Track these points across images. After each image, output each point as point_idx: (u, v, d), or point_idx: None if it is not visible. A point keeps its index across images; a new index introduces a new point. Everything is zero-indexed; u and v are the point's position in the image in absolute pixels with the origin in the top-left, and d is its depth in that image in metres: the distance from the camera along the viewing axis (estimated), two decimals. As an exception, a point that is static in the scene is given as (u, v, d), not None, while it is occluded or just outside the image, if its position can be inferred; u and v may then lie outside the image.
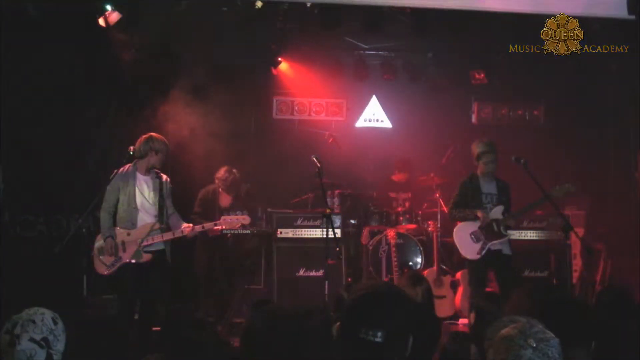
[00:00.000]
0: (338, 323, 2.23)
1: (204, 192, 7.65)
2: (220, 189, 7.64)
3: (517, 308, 3.31)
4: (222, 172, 7.59)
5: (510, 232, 6.67)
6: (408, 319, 2.10)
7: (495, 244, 6.46)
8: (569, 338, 2.46)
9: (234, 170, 7.61)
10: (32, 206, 7.40)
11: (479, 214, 6.46)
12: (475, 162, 6.64)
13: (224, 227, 6.53)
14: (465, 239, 6.57)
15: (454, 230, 6.70)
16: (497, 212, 6.51)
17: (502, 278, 6.50)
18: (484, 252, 6.44)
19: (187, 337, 2.91)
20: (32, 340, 2.52)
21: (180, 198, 6.44)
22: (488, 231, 6.46)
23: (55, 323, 2.62)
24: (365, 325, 2.05)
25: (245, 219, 6.41)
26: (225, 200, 7.65)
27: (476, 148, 6.60)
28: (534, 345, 2.17)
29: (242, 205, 7.41)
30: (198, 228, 6.31)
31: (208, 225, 6.44)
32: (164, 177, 6.18)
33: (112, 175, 6.01)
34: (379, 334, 2.03)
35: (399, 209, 8.29)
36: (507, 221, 6.48)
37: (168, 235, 6.04)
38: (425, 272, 7.90)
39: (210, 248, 7.62)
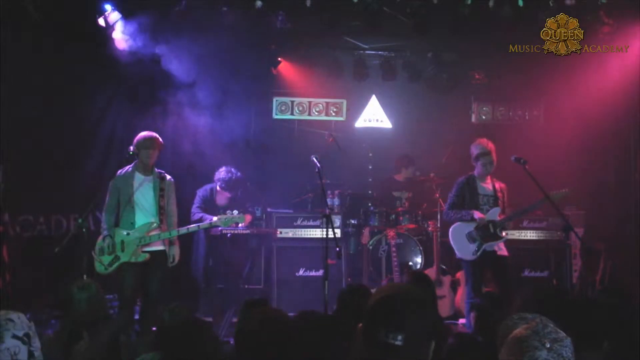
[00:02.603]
0: (360, 324, 2.23)
1: (202, 191, 7.65)
2: (217, 188, 7.64)
3: (525, 309, 3.31)
4: (222, 172, 7.59)
5: (508, 232, 6.68)
6: (429, 323, 2.10)
7: (490, 245, 6.46)
8: (580, 340, 2.45)
9: (234, 170, 7.61)
10: (32, 206, 7.39)
11: (476, 215, 6.45)
12: (473, 163, 6.65)
13: (220, 225, 6.56)
14: (461, 240, 6.58)
15: (450, 230, 6.71)
16: (493, 213, 6.50)
17: (500, 278, 6.51)
18: (479, 252, 6.44)
19: (186, 337, 2.91)
20: (15, 337, 2.49)
21: (179, 198, 6.45)
22: (484, 232, 6.46)
23: (29, 321, 2.61)
24: (385, 327, 2.05)
25: (240, 218, 6.46)
26: (222, 198, 7.64)
27: (475, 149, 6.61)
28: (549, 346, 2.15)
29: (238, 204, 7.43)
30: (193, 227, 6.33)
31: (203, 224, 6.49)
32: (168, 177, 6.22)
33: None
34: (399, 336, 2.03)
35: (399, 209, 8.29)
36: (503, 223, 6.49)
37: (166, 236, 6.07)
38: (425, 272, 7.90)
39: (210, 247, 7.62)
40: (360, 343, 2.13)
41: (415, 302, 2.10)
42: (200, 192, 7.61)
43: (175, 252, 6.19)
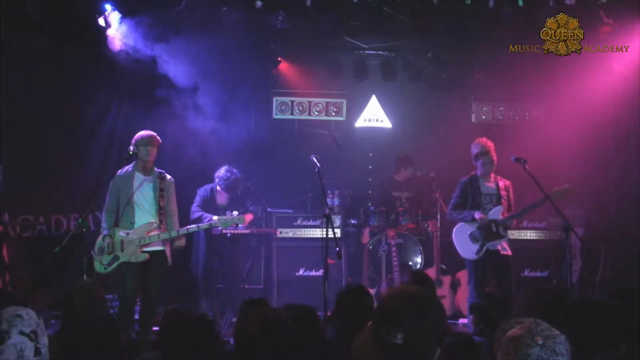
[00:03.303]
0: (370, 322, 2.24)
1: (202, 191, 7.64)
2: (218, 188, 7.64)
3: (527, 311, 3.32)
4: (222, 172, 7.60)
5: (509, 232, 6.68)
6: (430, 324, 2.09)
7: (493, 244, 6.46)
8: (589, 342, 2.46)
9: (235, 170, 7.61)
10: (32, 206, 7.38)
11: (477, 215, 6.46)
12: (474, 163, 6.65)
13: (219, 226, 6.57)
14: (464, 239, 6.58)
15: (453, 230, 6.72)
16: (496, 212, 6.51)
17: (501, 278, 6.51)
18: (482, 252, 6.44)
19: (185, 337, 2.92)
20: (22, 333, 2.48)
21: (178, 198, 6.45)
22: (487, 231, 6.47)
23: (39, 318, 2.61)
24: (386, 325, 2.05)
25: (240, 219, 6.48)
26: (222, 198, 7.64)
27: (474, 149, 6.63)
28: (541, 342, 2.17)
29: (238, 204, 7.43)
30: (193, 228, 6.34)
31: (203, 225, 6.50)
32: (168, 177, 6.24)
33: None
34: (399, 335, 2.03)
35: (399, 208, 8.29)
36: (506, 222, 6.48)
37: (166, 236, 6.07)
38: (425, 272, 7.91)
39: (210, 247, 7.62)
40: (370, 341, 2.15)
41: (419, 302, 2.10)
42: (201, 192, 7.61)
43: (181, 240, 6.24)
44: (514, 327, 2.28)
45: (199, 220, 7.00)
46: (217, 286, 7.56)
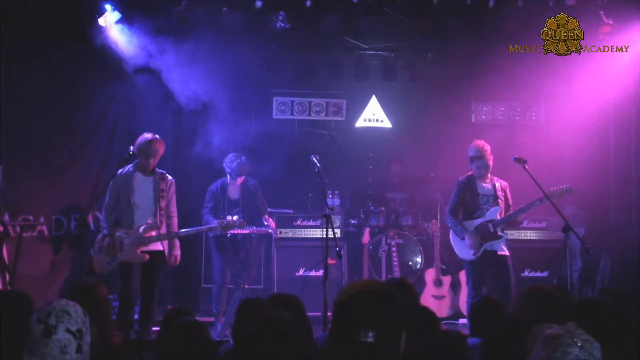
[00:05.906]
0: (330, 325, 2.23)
1: (213, 187, 7.61)
2: (228, 179, 7.61)
3: (522, 310, 3.31)
4: (230, 157, 7.61)
5: (508, 232, 6.69)
6: (398, 315, 2.11)
7: (491, 245, 6.47)
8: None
9: (243, 157, 7.62)
10: (32, 206, 7.39)
11: (467, 241, 6.44)
12: (470, 164, 6.67)
13: (219, 230, 6.58)
14: (461, 240, 6.58)
15: (451, 231, 6.72)
16: (493, 213, 6.52)
17: (500, 278, 6.52)
18: (479, 252, 6.45)
19: (183, 337, 2.92)
20: (68, 331, 2.53)
21: (179, 198, 6.46)
22: (484, 232, 6.47)
23: (85, 315, 2.64)
24: (356, 326, 2.05)
25: (241, 224, 6.50)
26: (234, 192, 7.60)
27: (470, 152, 6.65)
28: (580, 344, 2.25)
29: (248, 203, 7.41)
30: (192, 230, 6.35)
31: (202, 228, 6.52)
32: (169, 178, 6.23)
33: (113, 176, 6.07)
34: (370, 334, 2.03)
35: (400, 208, 8.29)
36: (503, 222, 6.49)
37: (165, 237, 6.08)
38: (426, 272, 7.92)
39: (211, 248, 7.62)
40: (331, 343, 2.13)
41: (381, 295, 2.11)
42: (212, 188, 7.58)
43: (177, 252, 6.21)
44: (549, 329, 2.34)
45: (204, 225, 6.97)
46: (217, 286, 7.56)
